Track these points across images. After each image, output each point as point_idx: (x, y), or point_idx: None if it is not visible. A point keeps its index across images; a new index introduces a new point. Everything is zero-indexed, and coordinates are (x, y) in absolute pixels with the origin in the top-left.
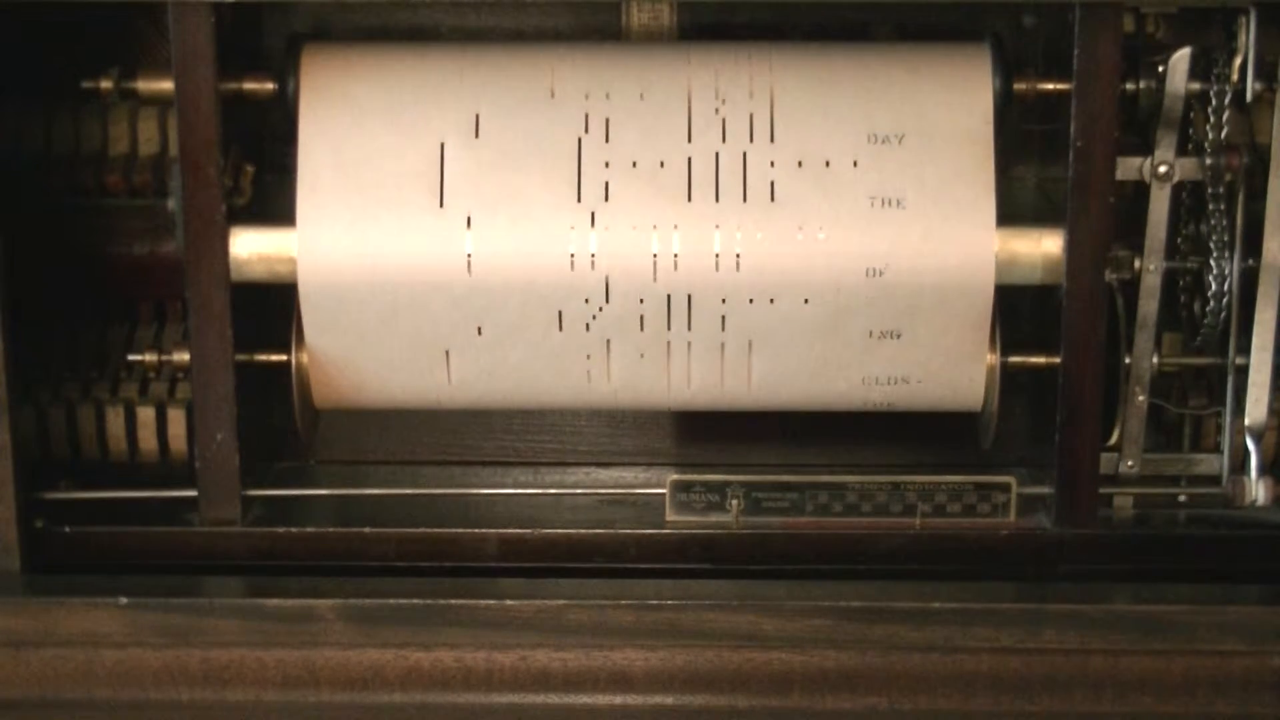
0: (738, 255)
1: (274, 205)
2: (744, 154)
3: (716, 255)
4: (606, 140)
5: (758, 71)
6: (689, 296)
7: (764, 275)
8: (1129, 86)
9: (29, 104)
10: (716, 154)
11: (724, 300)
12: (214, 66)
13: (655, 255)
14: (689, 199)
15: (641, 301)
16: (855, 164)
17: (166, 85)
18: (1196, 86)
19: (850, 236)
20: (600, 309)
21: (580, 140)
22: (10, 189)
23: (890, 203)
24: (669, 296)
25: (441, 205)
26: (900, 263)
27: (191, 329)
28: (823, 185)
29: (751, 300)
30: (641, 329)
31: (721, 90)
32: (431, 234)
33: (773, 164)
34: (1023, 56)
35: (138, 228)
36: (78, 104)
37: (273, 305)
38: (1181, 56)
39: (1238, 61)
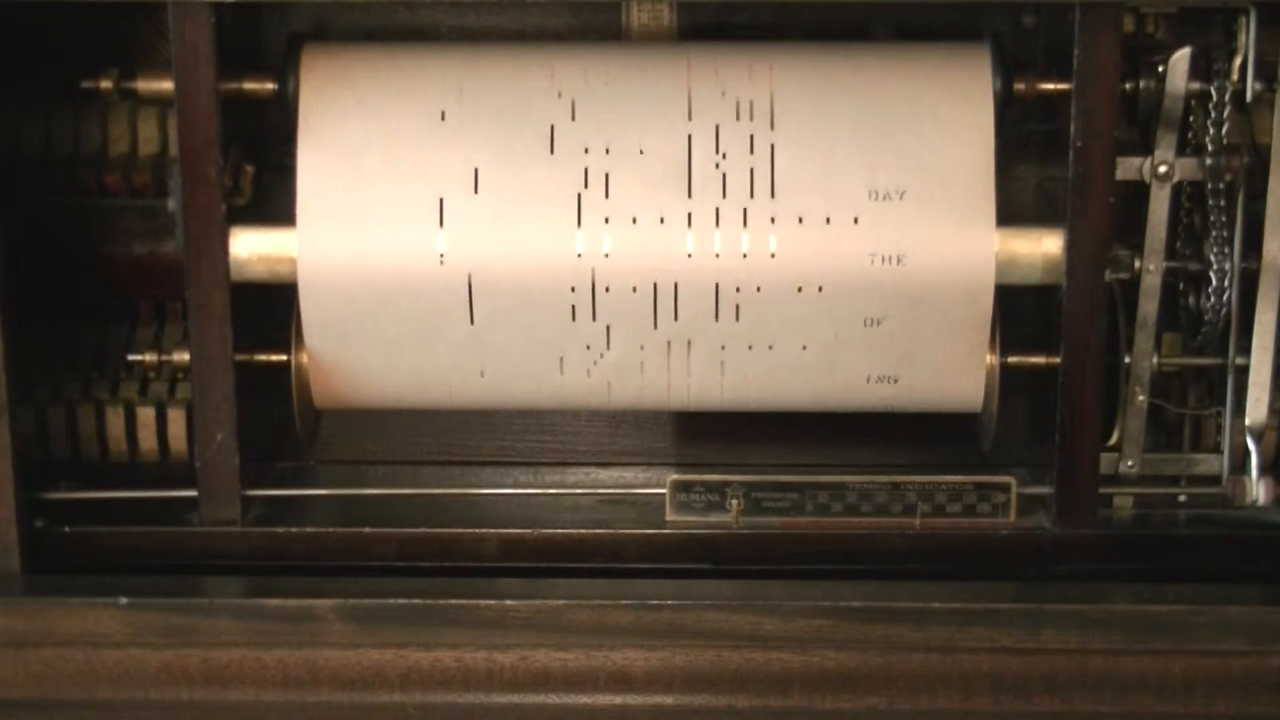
0: (737, 306)
1: (274, 205)
2: (744, 210)
3: (717, 306)
4: (606, 196)
5: (759, 125)
6: (689, 342)
7: (764, 324)
8: (1129, 86)
9: (29, 104)
10: (717, 209)
11: (723, 347)
12: (214, 66)
13: (656, 307)
14: (689, 255)
15: (642, 348)
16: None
17: (166, 85)
18: (1196, 86)
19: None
20: (602, 355)
21: (580, 196)
22: (10, 189)
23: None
24: (669, 343)
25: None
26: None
27: (191, 329)
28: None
29: (750, 347)
30: (642, 373)
31: (722, 144)
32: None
33: (773, 220)
34: (1023, 56)
35: (138, 228)
36: (78, 104)
37: (273, 305)
38: (1181, 56)
39: (1238, 61)
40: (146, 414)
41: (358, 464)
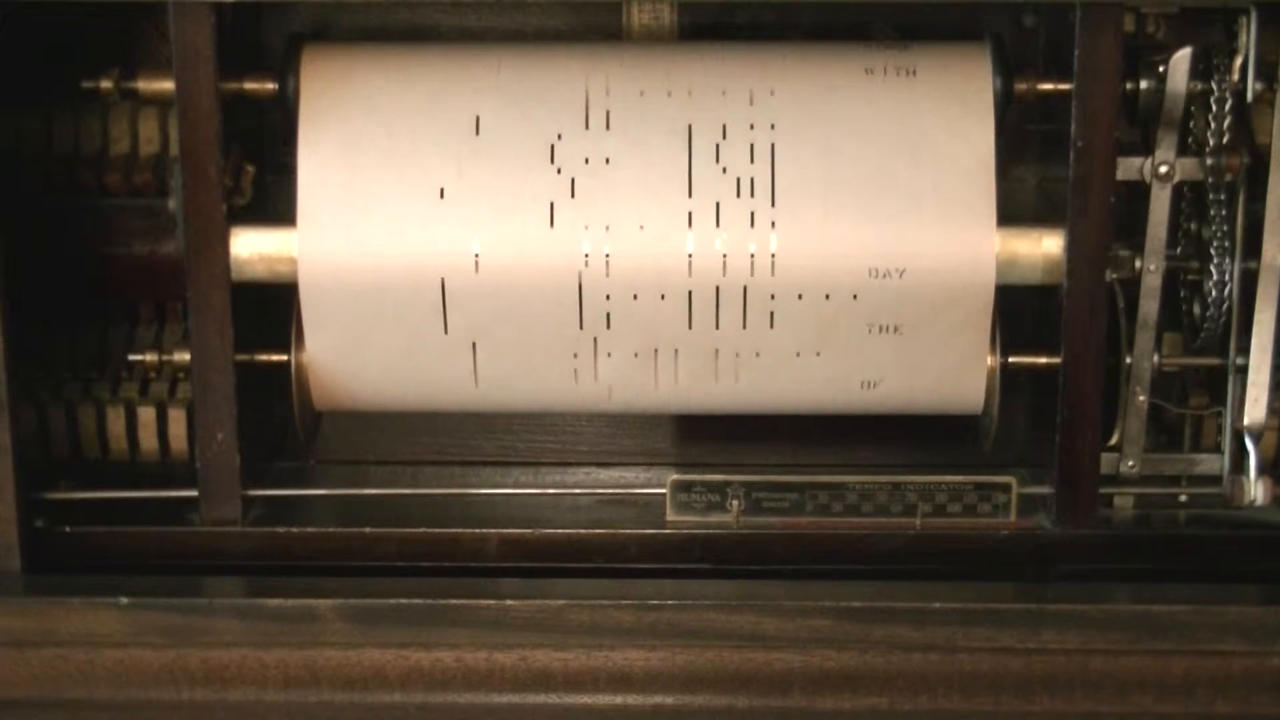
0: (737, 368)
1: (274, 205)
2: (744, 287)
3: (717, 373)
4: (607, 275)
5: (760, 202)
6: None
7: (765, 389)
8: (1129, 86)
9: (29, 104)
10: (717, 287)
11: (723, 403)
12: (214, 66)
13: (658, 373)
14: (690, 326)
15: (644, 403)
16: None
17: (167, 85)
18: (1197, 86)
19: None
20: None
21: (580, 273)
22: (10, 189)
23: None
24: (668, 404)
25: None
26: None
27: (192, 329)
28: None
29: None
30: (643, 417)
31: (723, 220)
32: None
33: (773, 296)
34: (1023, 56)
35: (138, 228)
36: (78, 104)
37: (273, 305)
38: (1182, 56)
39: (1238, 61)
40: (147, 414)
41: (358, 464)
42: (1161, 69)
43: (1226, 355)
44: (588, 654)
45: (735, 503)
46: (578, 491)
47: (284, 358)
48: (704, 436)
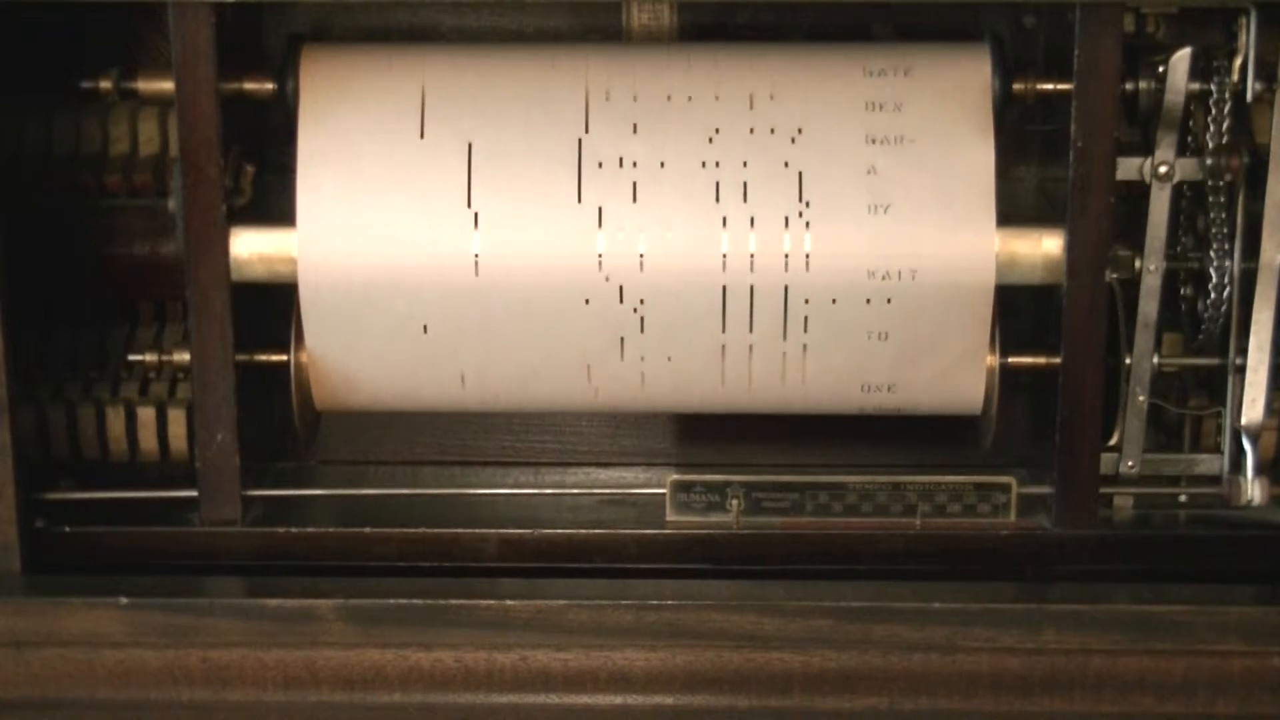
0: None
1: (274, 205)
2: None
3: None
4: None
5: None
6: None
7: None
8: (1129, 86)
9: (29, 104)
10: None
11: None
12: (214, 66)
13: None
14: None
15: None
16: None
17: (167, 85)
18: (1196, 86)
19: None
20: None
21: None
22: (10, 189)
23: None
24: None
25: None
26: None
27: (192, 329)
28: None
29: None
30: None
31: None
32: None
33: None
34: (1023, 56)
35: (138, 228)
36: (78, 104)
37: (273, 305)
38: (1181, 56)
39: (1238, 61)
40: (147, 414)
41: (358, 464)
42: (1161, 69)
43: (1226, 355)
44: (588, 654)
45: (735, 503)
46: (577, 491)
47: (284, 358)
48: (704, 436)
